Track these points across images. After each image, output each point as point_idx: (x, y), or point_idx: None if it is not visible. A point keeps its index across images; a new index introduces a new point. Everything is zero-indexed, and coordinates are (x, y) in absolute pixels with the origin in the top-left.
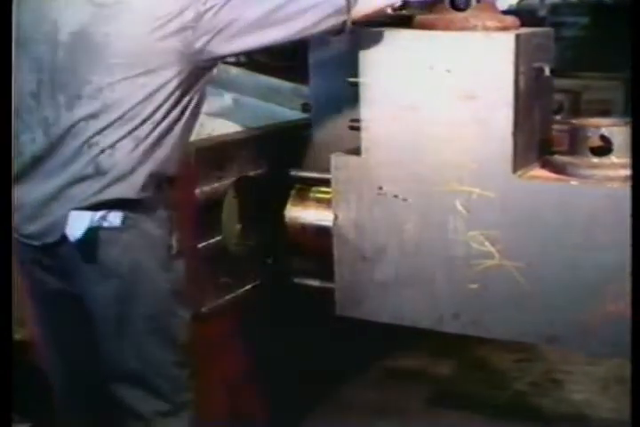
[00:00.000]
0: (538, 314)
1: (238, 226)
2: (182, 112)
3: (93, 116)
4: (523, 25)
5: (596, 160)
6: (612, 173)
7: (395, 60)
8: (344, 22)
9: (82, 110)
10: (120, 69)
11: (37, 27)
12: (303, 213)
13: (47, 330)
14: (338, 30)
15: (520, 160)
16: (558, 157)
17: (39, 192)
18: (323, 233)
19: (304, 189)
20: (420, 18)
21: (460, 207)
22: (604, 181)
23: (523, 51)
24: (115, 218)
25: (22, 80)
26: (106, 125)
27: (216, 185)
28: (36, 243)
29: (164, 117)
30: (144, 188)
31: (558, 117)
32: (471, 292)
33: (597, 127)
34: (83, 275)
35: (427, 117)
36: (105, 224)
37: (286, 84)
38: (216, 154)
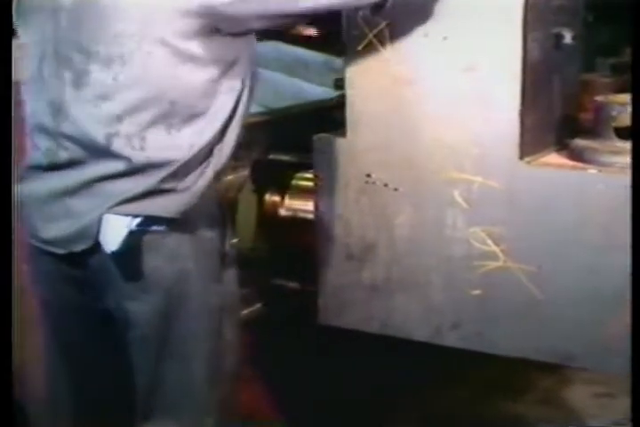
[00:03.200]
0: (550, 326)
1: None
2: (234, 99)
3: (105, 96)
4: None
5: (620, 144)
6: None
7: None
8: None
9: (91, 89)
10: (129, 37)
11: None
12: (283, 204)
13: (61, 354)
14: (378, 6)
15: (530, 144)
16: (576, 141)
17: (57, 189)
18: (304, 228)
19: (286, 177)
20: None
21: (459, 199)
22: (628, 170)
23: (535, 14)
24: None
25: (28, 57)
26: (125, 109)
27: (230, 177)
28: (59, 251)
29: (207, 103)
30: (202, 196)
31: None
32: (473, 298)
33: (624, 105)
34: (118, 289)
35: (421, 93)
36: (147, 228)
37: (316, 56)
38: None
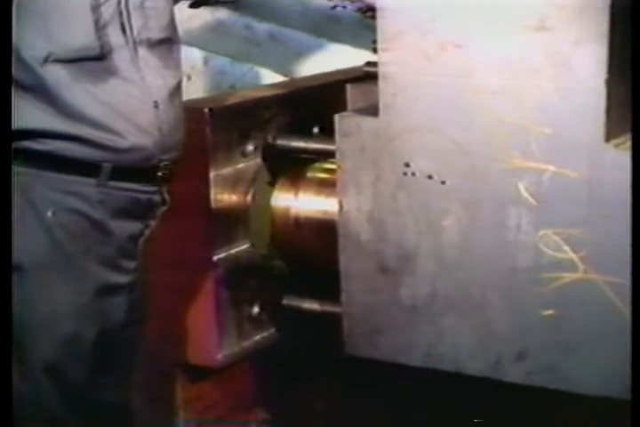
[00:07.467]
0: None
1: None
2: None
3: None
4: None
5: None
6: None
7: None
8: None
9: None
10: None
11: None
12: (296, 202)
13: None
14: None
15: (618, 122)
16: None
17: None
18: (324, 232)
19: (301, 167)
20: None
21: (525, 194)
22: None
23: None
24: None
25: None
26: None
27: (241, 165)
28: None
29: None
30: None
31: None
32: (543, 321)
33: None
34: None
35: (475, 59)
36: None
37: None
38: (241, 118)
